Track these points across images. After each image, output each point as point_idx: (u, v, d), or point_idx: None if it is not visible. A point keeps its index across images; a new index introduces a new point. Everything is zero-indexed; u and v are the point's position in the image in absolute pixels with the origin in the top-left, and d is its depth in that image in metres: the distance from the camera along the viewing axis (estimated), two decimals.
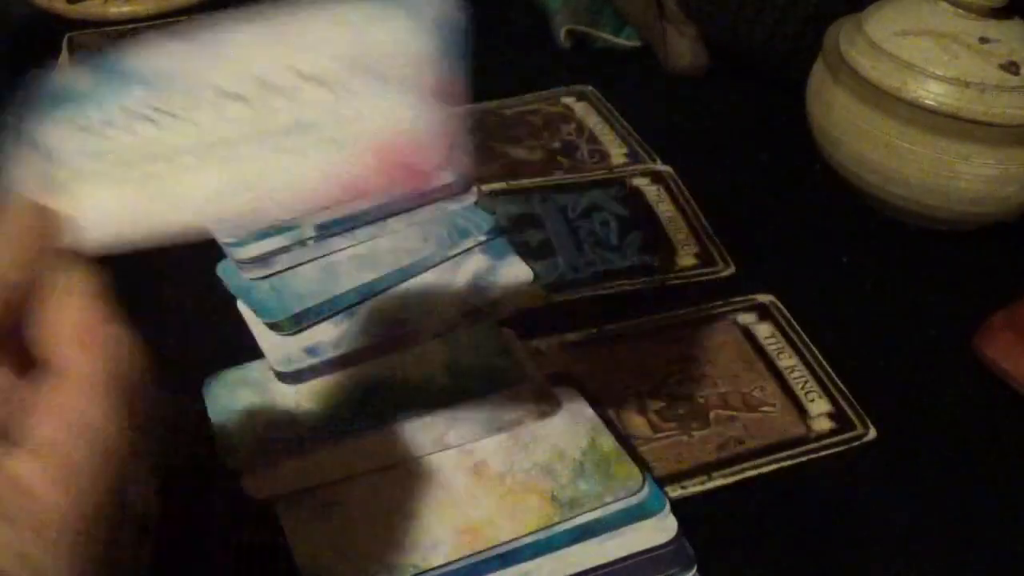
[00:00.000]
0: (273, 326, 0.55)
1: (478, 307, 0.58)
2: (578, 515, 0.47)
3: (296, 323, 0.56)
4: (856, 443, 0.52)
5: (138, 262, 0.63)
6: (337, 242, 0.61)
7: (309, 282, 0.58)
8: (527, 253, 0.61)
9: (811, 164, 0.71)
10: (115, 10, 0.81)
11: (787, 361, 0.56)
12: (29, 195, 0.30)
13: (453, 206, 0.64)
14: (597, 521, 0.47)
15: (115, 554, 0.28)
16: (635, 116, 0.75)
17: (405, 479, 0.49)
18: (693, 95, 0.80)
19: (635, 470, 0.49)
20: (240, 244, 0.60)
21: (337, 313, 0.57)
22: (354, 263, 0.60)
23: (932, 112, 0.60)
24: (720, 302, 0.60)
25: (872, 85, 0.63)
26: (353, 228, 0.62)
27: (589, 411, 0.52)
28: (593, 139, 0.73)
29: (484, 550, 0.46)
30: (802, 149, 0.71)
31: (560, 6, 0.83)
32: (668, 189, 0.68)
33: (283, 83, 0.31)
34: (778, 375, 0.56)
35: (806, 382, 0.55)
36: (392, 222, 0.63)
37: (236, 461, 0.49)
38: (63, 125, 0.31)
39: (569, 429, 0.51)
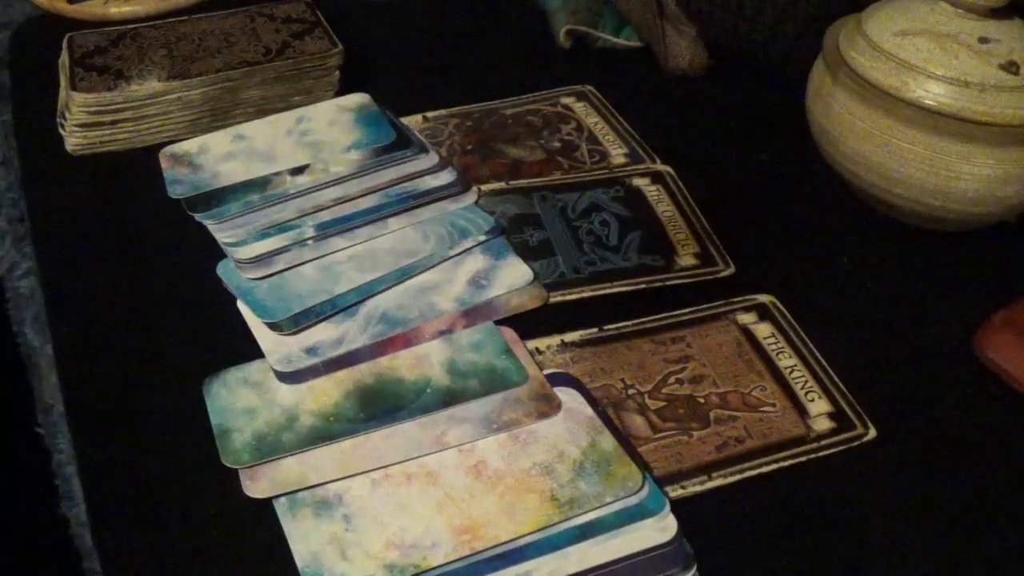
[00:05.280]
0: (273, 326, 0.56)
1: (478, 307, 0.58)
2: (578, 515, 0.47)
3: (296, 323, 0.56)
4: (856, 443, 0.52)
5: (138, 262, 0.64)
6: (337, 242, 0.61)
7: (309, 282, 0.58)
8: (527, 253, 0.62)
9: (811, 164, 0.71)
10: (115, 10, 0.81)
11: (787, 361, 0.56)
12: None
13: (453, 206, 0.65)
14: (597, 521, 0.47)
15: None
16: (635, 116, 0.75)
17: (405, 479, 0.49)
18: (693, 95, 0.80)
19: (635, 470, 0.49)
20: (240, 244, 0.60)
21: (337, 313, 0.57)
22: (354, 263, 0.60)
23: (932, 112, 0.60)
24: (720, 302, 0.60)
25: (872, 85, 0.63)
26: (353, 228, 0.62)
27: (589, 411, 0.52)
28: (593, 139, 0.73)
29: (484, 550, 0.46)
30: (802, 149, 0.71)
31: (560, 6, 0.83)
32: (668, 189, 0.68)
33: None
34: (778, 375, 0.56)
35: (806, 382, 0.55)
36: (392, 222, 0.63)
37: (236, 461, 0.49)
38: None
39: (569, 429, 0.51)
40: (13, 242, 0.78)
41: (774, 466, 0.51)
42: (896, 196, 0.64)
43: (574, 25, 0.82)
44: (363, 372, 0.54)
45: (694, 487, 0.49)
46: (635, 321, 0.58)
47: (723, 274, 0.62)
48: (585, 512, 0.47)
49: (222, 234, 0.61)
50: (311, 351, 0.55)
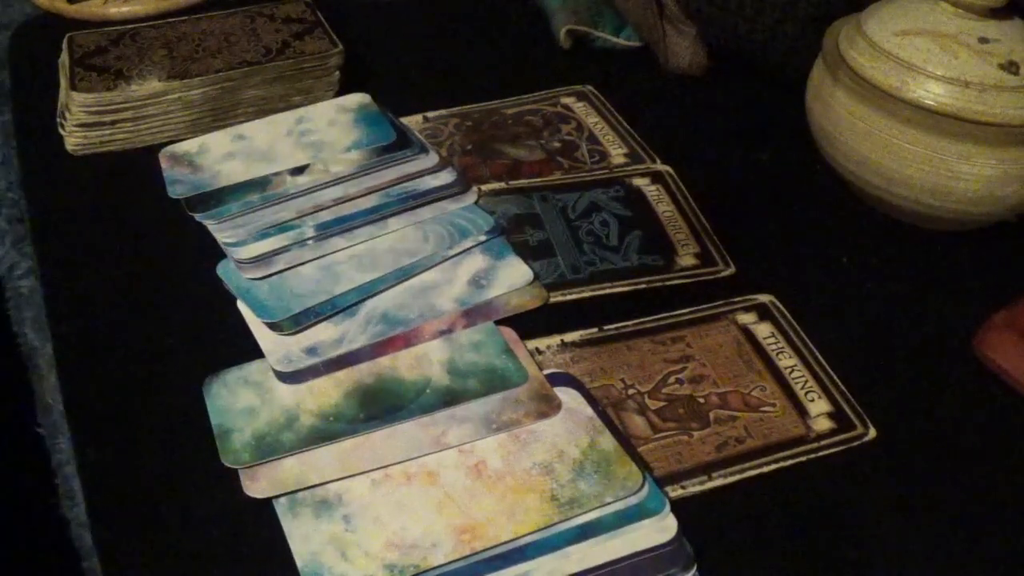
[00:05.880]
0: (273, 326, 0.56)
1: (478, 307, 0.58)
2: (578, 515, 0.47)
3: (296, 323, 0.56)
4: (856, 443, 0.52)
5: (138, 262, 0.64)
6: (337, 242, 0.61)
7: (309, 282, 0.58)
8: (527, 253, 0.62)
9: (811, 164, 0.71)
10: (115, 10, 0.81)
11: (787, 361, 0.56)
12: None
13: (453, 206, 0.65)
14: (597, 521, 0.47)
15: None
16: (635, 116, 0.75)
17: (405, 479, 0.49)
18: (693, 95, 0.80)
19: (635, 470, 0.49)
20: (240, 244, 0.60)
21: (337, 313, 0.57)
22: (354, 263, 0.60)
23: (932, 112, 0.60)
24: (720, 302, 0.60)
25: (872, 85, 0.63)
26: (353, 228, 0.62)
27: (589, 411, 0.52)
28: (593, 139, 0.73)
29: (484, 550, 0.46)
30: (802, 149, 0.71)
31: (560, 6, 0.83)
32: (668, 189, 0.68)
33: None
34: (778, 375, 0.56)
35: (806, 382, 0.55)
36: (392, 222, 0.63)
37: (236, 461, 0.49)
38: None
39: (569, 429, 0.51)
40: (13, 242, 0.78)
41: (774, 466, 0.51)
42: (896, 196, 0.64)
43: (574, 25, 0.82)
44: (363, 372, 0.54)
45: (694, 487, 0.49)
46: (635, 321, 0.58)
47: (723, 274, 0.62)
48: (585, 512, 0.47)
49: (222, 234, 0.61)
50: (311, 351, 0.55)
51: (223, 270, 0.59)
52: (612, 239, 0.64)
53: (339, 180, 0.65)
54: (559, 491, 0.48)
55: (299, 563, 0.45)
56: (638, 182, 0.69)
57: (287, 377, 0.53)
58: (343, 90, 0.74)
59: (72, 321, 0.58)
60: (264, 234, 0.61)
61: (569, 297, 0.60)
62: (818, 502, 0.50)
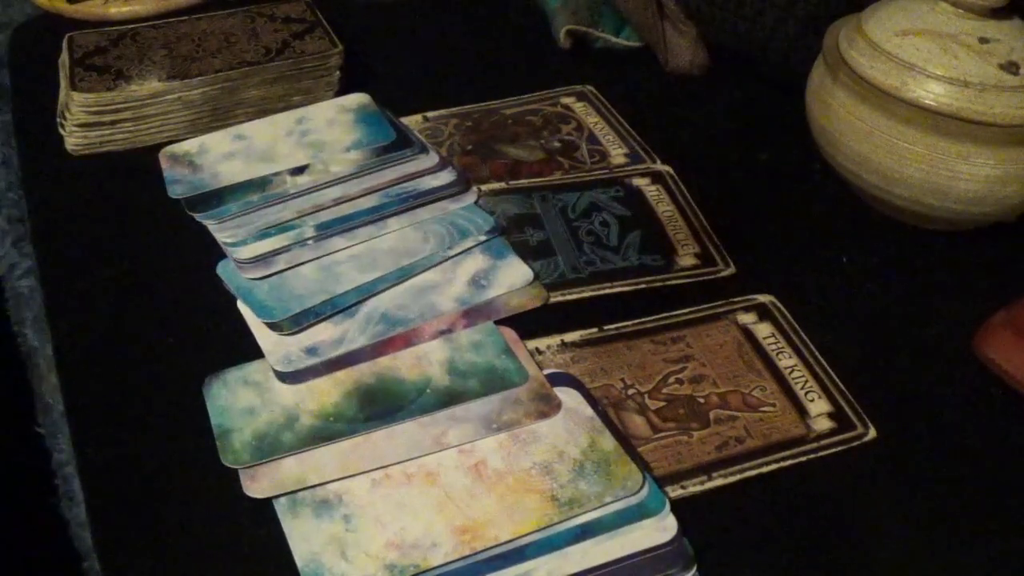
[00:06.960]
0: (273, 326, 0.56)
1: (478, 307, 0.58)
2: (578, 515, 0.47)
3: (296, 323, 0.56)
4: (856, 443, 0.52)
5: (139, 262, 0.64)
6: (337, 242, 0.61)
7: (309, 282, 0.58)
8: (527, 253, 0.62)
9: (811, 164, 0.71)
10: (115, 10, 0.81)
11: (787, 361, 0.56)
12: None
13: (453, 206, 0.65)
14: (597, 521, 0.47)
15: None
16: (635, 116, 0.75)
17: (405, 479, 0.49)
18: (693, 95, 0.80)
19: (635, 470, 0.49)
20: (240, 244, 0.60)
21: (337, 313, 0.57)
22: (354, 263, 0.60)
23: (932, 112, 0.60)
24: (720, 302, 0.60)
25: (872, 85, 0.63)
26: (353, 228, 0.62)
27: (589, 411, 0.52)
28: (593, 139, 0.73)
29: (484, 550, 0.46)
30: (802, 149, 0.71)
31: (560, 6, 0.83)
32: (668, 189, 0.68)
33: None
34: (778, 375, 0.56)
35: (806, 382, 0.55)
36: (392, 222, 0.63)
37: (236, 461, 0.49)
38: None
39: (569, 429, 0.51)
40: (13, 242, 0.78)
41: (774, 466, 0.51)
42: (896, 196, 0.64)
43: (574, 25, 0.82)
44: (363, 372, 0.54)
45: (694, 487, 0.49)
46: (635, 321, 0.58)
47: (723, 274, 0.62)
48: (585, 512, 0.47)
49: (222, 234, 0.61)
50: (311, 351, 0.55)
51: (223, 270, 0.59)
52: (612, 239, 0.64)
53: (339, 180, 0.65)
54: (559, 491, 0.48)
55: (299, 563, 0.45)
56: (638, 182, 0.69)
57: (287, 377, 0.53)
58: (343, 90, 0.74)
59: (72, 321, 0.58)
60: (264, 234, 0.61)
61: (569, 297, 0.60)
62: (818, 502, 0.50)
